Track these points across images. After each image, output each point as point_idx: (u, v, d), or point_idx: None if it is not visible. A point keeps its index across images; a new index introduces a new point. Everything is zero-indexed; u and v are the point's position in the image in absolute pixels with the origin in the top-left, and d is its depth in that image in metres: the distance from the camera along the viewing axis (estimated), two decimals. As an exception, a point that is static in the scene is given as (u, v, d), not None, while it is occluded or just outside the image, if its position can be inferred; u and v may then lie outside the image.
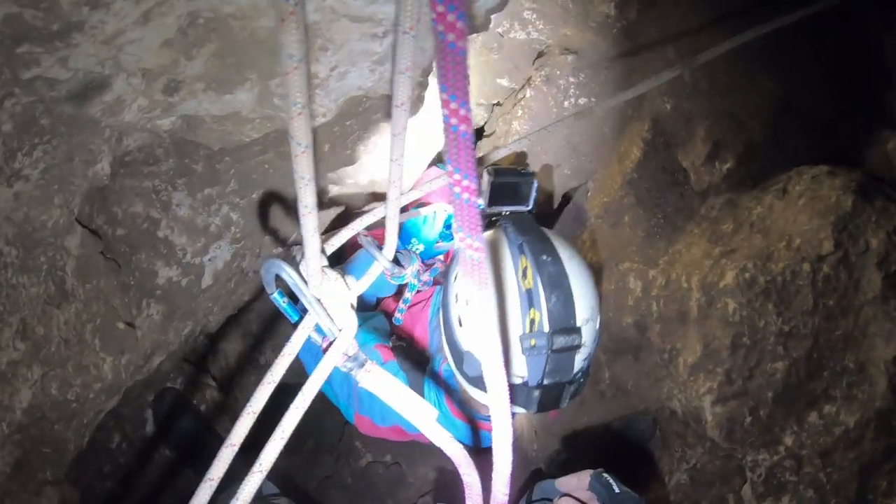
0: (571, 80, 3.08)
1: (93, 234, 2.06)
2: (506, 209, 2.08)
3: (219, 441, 3.32)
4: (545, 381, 1.79)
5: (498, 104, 3.46)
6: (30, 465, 1.93)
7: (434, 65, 0.75)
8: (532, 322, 1.77)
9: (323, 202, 2.71)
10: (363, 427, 2.57)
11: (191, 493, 1.21)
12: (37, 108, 1.35)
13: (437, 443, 1.53)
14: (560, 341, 1.75)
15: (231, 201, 2.32)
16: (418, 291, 2.66)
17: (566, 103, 3.12)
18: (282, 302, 1.66)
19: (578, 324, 1.82)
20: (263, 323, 3.91)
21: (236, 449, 1.31)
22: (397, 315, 2.63)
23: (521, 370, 1.81)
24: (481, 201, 2.07)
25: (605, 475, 1.84)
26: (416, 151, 3.01)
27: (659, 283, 2.80)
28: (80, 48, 1.21)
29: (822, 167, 2.45)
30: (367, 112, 2.12)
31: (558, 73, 3.13)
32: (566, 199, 3.30)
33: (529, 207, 2.12)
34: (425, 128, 2.77)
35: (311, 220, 1.11)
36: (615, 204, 3.05)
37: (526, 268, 1.81)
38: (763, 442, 2.38)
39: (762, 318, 2.43)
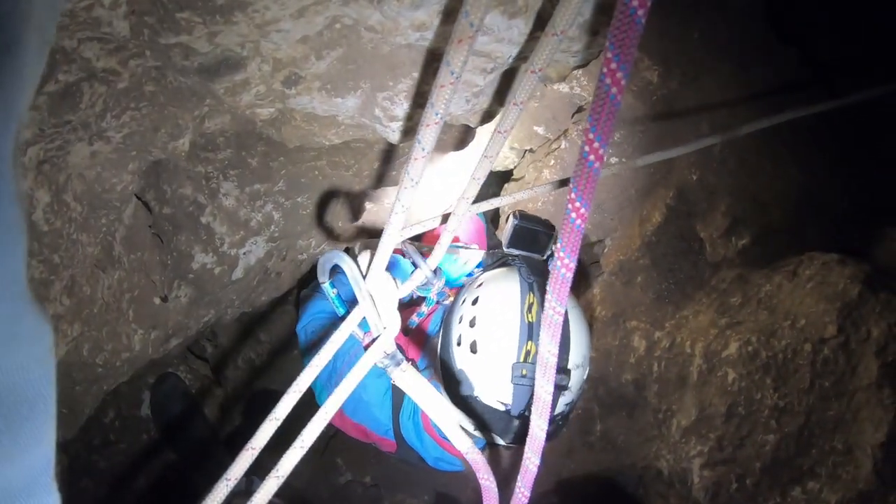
0: (606, 138, 3.20)
1: (145, 207, 2.13)
2: (522, 253, 2.17)
3: (209, 431, 3.35)
4: (527, 412, 1.82)
5: (531, 150, 3.58)
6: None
7: (590, 105, 0.88)
8: (528, 353, 1.83)
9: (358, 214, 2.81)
10: (337, 422, 2.58)
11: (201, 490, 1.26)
12: (150, 73, 1.44)
13: (458, 447, 1.61)
14: None
15: (276, 200, 2.40)
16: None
17: (606, 156, 3.24)
18: (331, 292, 1.75)
19: (569, 366, 1.88)
20: (264, 324, 3.97)
21: (256, 452, 1.38)
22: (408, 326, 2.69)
23: (506, 397, 1.86)
24: (504, 239, 2.18)
25: None
26: (442, 187, 3.14)
27: (663, 344, 2.88)
28: (235, 27, 1.30)
29: (833, 255, 2.55)
30: (441, 141, 2.23)
31: (594, 130, 3.24)
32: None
33: (544, 258, 2.21)
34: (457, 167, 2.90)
35: (399, 220, 1.21)
36: (630, 263, 3.15)
37: (532, 304, 1.89)
38: (746, 510, 2.44)
39: (759, 391, 2.51)
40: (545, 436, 1.44)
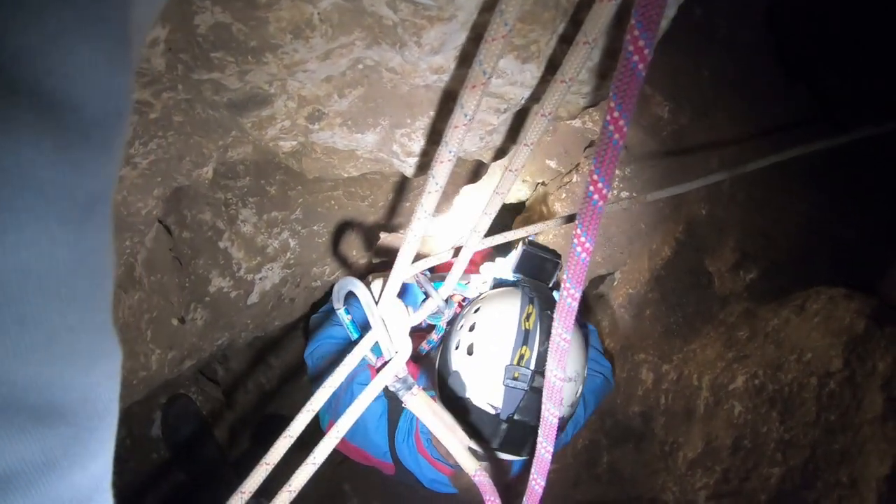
0: (617, 172, 3.27)
1: (165, 231, 2.20)
2: (528, 279, 2.21)
3: (218, 452, 3.38)
4: (515, 416, 1.85)
5: (542, 183, 3.64)
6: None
7: (595, 149, 0.95)
8: (521, 357, 1.86)
9: (373, 243, 2.87)
10: None
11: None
12: (179, 105, 1.51)
13: (467, 469, 1.65)
14: (541, 382, 1.76)
15: (293, 228, 2.46)
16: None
17: (609, 194, 3.30)
18: (346, 318, 1.80)
19: None
20: (275, 349, 4.02)
21: (270, 468, 1.44)
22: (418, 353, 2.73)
23: (497, 400, 1.87)
24: (510, 264, 2.23)
25: None
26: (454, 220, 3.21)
27: (671, 377, 2.91)
28: (265, 67, 1.37)
29: (840, 289, 2.57)
30: (456, 174, 2.29)
31: (605, 164, 3.31)
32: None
33: (549, 285, 2.25)
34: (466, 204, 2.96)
35: (411, 250, 1.26)
36: (640, 297, 3.19)
37: (531, 314, 1.92)
38: (751, 543, 2.46)
39: (765, 424, 2.53)
40: (550, 457, 1.48)
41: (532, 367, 1.85)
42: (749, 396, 2.60)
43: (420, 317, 1.70)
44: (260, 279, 2.54)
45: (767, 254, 2.99)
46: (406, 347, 1.59)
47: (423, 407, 1.69)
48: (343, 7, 1.27)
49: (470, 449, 1.74)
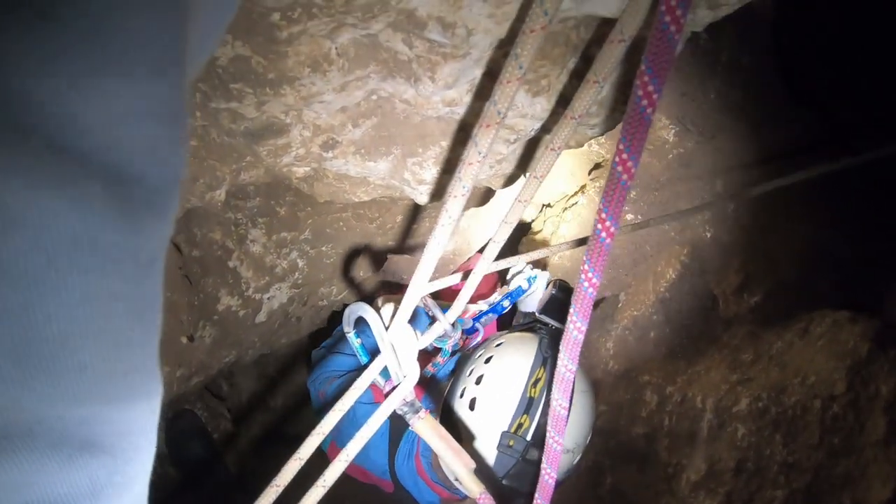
0: (622, 195, 3.29)
1: (176, 249, 2.23)
2: (553, 322, 2.23)
3: (224, 469, 3.39)
4: (504, 481, 1.87)
5: (548, 205, 3.67)
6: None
7: (603, 189, 0.99)
8: (519, 426, 1.86)
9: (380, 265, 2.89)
10: (333, 456, 2.64)
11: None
12: (196, 131, 1.55)
13: (471, 493, 1.67)
14: (534, 454, 1.82)
15: (302, 248, 2.50)
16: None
17: (617, 232, 3.32)
18: (356, 342, 1.83)
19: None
20: (281, 367, 4.04)
21: (280, 489, 1.46)
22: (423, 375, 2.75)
23: (490, 460, 1.90)
24: (534, 307, 2.24)
25: None
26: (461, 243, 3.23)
27: (675, 399, 2.92)
28: (283, 98, 1.40)
29: (844, 313, 2.57)
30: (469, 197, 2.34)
31: (610, 186, 3.34)
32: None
33: None
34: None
35: (424, 277, 1.29)
36: (644, 319, 3.20)
37: (539, 379, 1.93)
38: (754, 567, 2.46)
39: (769, 447, 2.54)
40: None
41: (529, 437, 1.85)
42: (753, 419, 2.61)
43: (427, 340, 1.72)
44: (268, 298, 2.57)
45: (772, 276, 3.01)
46: (414, 372, 1.62)
47: (429, 431, 1.71)
48: (360, 42, 1.31)
49: (475, 472, 1.76)
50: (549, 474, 1.48)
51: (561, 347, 1.30)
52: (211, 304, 2.43)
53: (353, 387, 1.54)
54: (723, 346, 2.97)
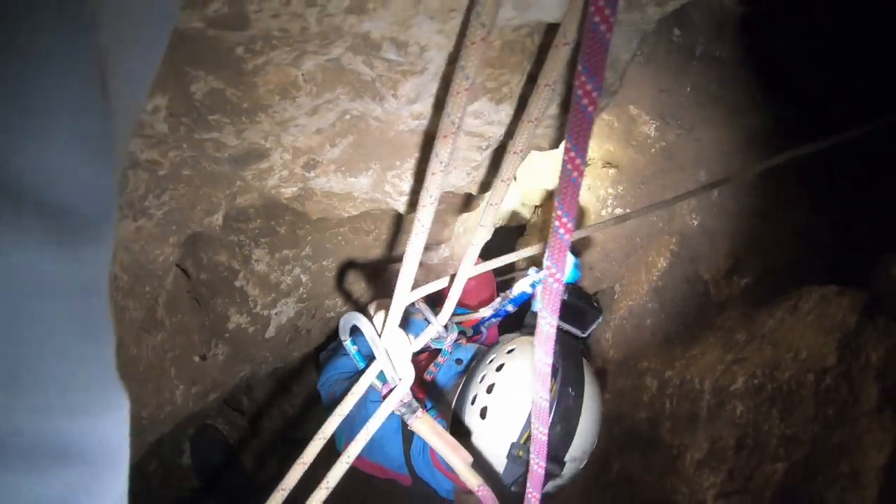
0: (611, 191, 3.39)
1: (184, 274, 2.35)
2: (565, 325, 2.29)
3: (245, 479, 3.50)
4: (513, 488, 1.96)
5: (539, 206, 3.77)
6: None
7: (557, 188, 1.07)
8: (528, 437, 1.89)
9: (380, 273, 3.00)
10: None
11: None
12: (187, 161, 1.66)
13: (470, 486, 1.77)
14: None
15: (304, 265, 2.60)
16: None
17: (604, 212, 3.43)
18: (352, 349, 1.94)
19: (566, 458, 2.00)
20: (296, 377, 4.15)
21: (286, 493, 1.56)
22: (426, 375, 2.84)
23: (499, 467, 2.00)
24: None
25: None
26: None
27: (674, 383, 3.00)
28: (259, 125, 1.50)
29: (832, 287, 2.64)
30: (450, 204, 2.43)
31: (599, 183, 3.45)
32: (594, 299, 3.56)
33: (585, 335, 2.32)
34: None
35: (406, 285, 1.39)
36: (640, 308, 3.29)
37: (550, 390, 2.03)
38: (758, 538, 2.53)
39: (766, 423, 2.60)
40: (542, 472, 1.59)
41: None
42: (749, 396, 2.67)
43: (420, 343, 1.82)
44: (276, 314, 2.68)
45: (759, 259, 3.08)
46: (409, 375, 1.72)
47: (426, 429, 1.81)
48: (325, 66, 1.40)
49: (472, 466, 1.85)
50: (539, 464, 1.56)
51: (535, 342, 1.38)
52: (221, 323, 2.54)
53: (351, 392, 1.64)
54: (717, 329, 3.04)
